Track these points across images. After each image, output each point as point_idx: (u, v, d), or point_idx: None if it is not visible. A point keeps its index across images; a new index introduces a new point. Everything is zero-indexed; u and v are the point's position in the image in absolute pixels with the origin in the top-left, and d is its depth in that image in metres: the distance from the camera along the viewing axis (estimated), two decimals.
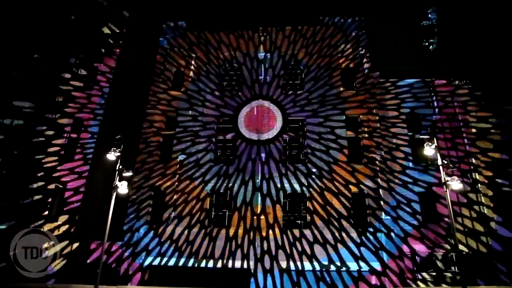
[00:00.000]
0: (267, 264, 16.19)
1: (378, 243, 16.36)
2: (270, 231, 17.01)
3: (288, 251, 16.44)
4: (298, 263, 16.10)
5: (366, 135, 19.16)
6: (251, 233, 17.05)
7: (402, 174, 17.78)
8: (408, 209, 16.98)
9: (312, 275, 15.86)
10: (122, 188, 12.82)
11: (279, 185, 18.26)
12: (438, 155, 12.61)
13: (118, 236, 16.74)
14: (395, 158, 18.27)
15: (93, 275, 12.28)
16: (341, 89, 20.57)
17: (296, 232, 17.01)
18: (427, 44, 20.35)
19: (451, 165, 12.42)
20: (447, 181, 12.19)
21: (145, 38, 22.01)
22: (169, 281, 15.81)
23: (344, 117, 19.76)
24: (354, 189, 17.97)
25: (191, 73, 22.05)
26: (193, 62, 22.32)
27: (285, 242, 16.74)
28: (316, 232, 16.88)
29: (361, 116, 19.68)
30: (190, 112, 20.57)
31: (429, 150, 12.89)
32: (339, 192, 17.79)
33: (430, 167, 17.34)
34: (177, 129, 20.20)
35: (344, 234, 16.66)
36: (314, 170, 18.44)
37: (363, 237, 16.50)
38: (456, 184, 12.11)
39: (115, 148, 13.07)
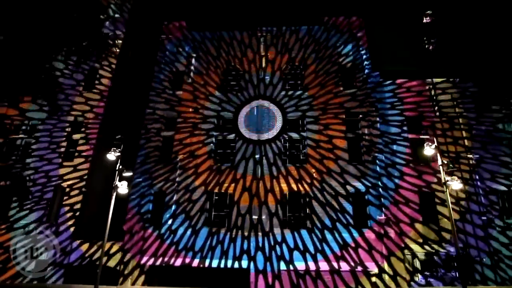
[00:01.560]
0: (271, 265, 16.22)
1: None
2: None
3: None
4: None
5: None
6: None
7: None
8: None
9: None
10: (122, 188, 12.82)
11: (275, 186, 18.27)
12: (438, 155, 12.66)
13: (118, 236, 16.73)
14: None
15: (93, 275, 12.28)
16: (341, 88, 20.52)
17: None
18: (427, 44, 20.36)
19: (451, 165, 12.44)
20: (447, 181, 12.22)
21: (145, 37, 21.98)
22: (169, 281, 15.80)
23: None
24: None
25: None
26: (194, 59, 22.41)
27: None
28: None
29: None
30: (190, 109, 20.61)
31: (429, 150, 12.91)
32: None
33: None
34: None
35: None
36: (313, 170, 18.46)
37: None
38: (456, 184, 12.14)
39: (115, 148, 13.07)
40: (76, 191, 18.41)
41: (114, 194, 12.71)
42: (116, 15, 22.79)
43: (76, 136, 20.15)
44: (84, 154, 19.42)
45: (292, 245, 16.61)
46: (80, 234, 17.13)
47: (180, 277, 16.05)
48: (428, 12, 20.10)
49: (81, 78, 21.20)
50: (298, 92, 20.71)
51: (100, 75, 21.31)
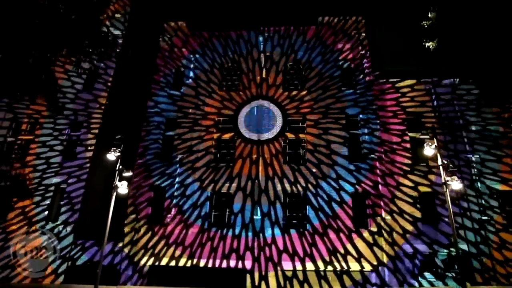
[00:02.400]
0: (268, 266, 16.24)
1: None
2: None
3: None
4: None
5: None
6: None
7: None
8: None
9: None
10: (122, 188, 12.82)
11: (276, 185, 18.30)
12: (438, 155, 12.65)
13: (118, 236, 16.74)
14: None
15: (93, 275, 12.29)
16: (343, 93, 20.45)
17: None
18: (427, 44, 20.27)
19: (451, 165, 12.43)
20: (447, 181, 12.21)
21: (145, 37, 21.98)
22: (169, 281, 15.81)
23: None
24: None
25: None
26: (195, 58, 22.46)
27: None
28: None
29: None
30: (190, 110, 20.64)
31: (429, 150, 12.90)
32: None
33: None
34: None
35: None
36: (314, 170, 18.45)
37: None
38: (456, 184, 12.12)
39: (115, 148, 13.07)
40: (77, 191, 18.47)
41: (114, 194, 12.71)
42: (117, 15, 22.77)
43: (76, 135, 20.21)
44: (84, 153, 19.48)
45: (286, 246, 16.65)
46: (80, 233, 17.16)
47: (180, 277, 16.08)
48: (429, 15, 19.99)
49: (81, 77, 21.24)
50: (300, 94, 20.61)
51: (101, 74, 21.36)
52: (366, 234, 16.70)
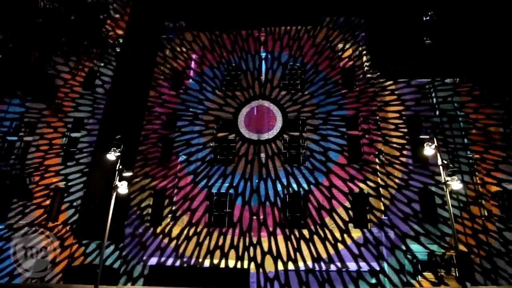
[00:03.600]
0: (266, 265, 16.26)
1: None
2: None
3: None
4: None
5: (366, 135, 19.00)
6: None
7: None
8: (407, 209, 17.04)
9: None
10: (122, 188, 12.81)
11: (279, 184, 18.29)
12: (438, 155, 12.64)
13: (118, 236, 16.74)
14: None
15: (93, 275, 12.28)
16: (343, 90, 20.41)
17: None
18: (426, 43, 20.28)
19: (451, 165, 12.43)
20: (447, 181, 12.21)
21: (145, 37, 21.99)
22: (169, 281, 15.81)
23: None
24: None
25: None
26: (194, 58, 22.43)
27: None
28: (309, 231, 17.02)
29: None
30: (190, 109, 20.68)
31: (429, 150, 12.90)
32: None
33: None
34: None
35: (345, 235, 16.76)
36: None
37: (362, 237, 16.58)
38: (456, 184, 12.12)
39: (115, 148, 13.06)
40: (76, 190, 18.48)
41: (114, 194, 12.71)
42: (117, 15, 22.77)
43: (76, 135, 20.21)
44: (84, 153, 19.49)
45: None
46: (80, 234, 17.17)
47: (180, 277, 16.08)
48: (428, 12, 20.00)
49: (81, 77, 21.26)
50: (301, 97, 20.56)
51: (100, 74, 21.38)
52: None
